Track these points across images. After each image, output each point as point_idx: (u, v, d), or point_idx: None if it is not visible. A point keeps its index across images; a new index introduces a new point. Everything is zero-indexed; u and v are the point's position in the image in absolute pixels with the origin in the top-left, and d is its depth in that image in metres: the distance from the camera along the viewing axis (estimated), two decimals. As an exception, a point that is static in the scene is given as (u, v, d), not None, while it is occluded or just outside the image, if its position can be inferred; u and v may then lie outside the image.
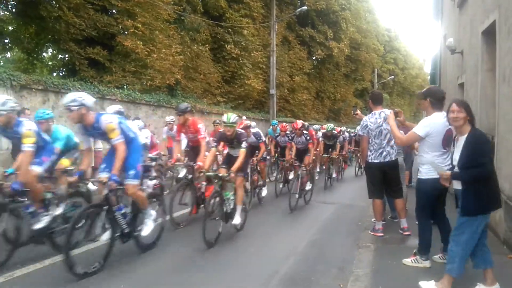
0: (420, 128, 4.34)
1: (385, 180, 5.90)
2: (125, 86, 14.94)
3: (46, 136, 5.46)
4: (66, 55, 15.59)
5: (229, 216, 6.06)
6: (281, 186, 10.12)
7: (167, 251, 5.37)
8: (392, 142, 5.80)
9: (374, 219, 6.20)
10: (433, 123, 4.30)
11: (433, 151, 4.29)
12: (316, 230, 6.77)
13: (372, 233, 5.96)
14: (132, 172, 4.85)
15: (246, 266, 4.92)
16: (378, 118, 5.83)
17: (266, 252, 5.45)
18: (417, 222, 4.67)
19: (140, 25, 14.91)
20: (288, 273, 4.66)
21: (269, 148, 11.97)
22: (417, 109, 59.43)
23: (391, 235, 5.90)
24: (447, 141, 4.25)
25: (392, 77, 45.69)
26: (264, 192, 9.03)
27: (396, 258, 4.84)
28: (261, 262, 5.04)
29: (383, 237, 5.81)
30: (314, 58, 32.75)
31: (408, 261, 4.59)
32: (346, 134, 17.03)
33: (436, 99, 4.41)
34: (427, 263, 4.49)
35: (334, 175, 12.74)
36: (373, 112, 5.95)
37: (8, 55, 16.64)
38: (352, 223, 7.21)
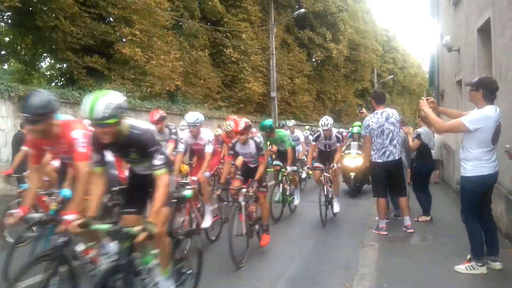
0: (470, 121, 3.93)
1: (389, 179, 5.92)
2: (124, 94, 14.96)
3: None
4: (64, 65, 15.59)
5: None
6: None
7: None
8: (395, 141, 5.81)
9: (377, 217, 6.21)
10: (486, 117, 3.90)
11: (481, 147, 3.94)
12: (321, 230, 6.74)
13: (376, 232, 5.97)
14: None
15: (252, 268, 4.90)
16: (380, 117, 5.83)
17: (271, 254, 5.44)
18: (464, 224, 4.23)
19: (138, 32, 14.92)
20: (293, 274, 4.65)
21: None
22: (417, 108, 59.51)
23: (395, 233, 5.91)
24: (496, 136, 3.97)
25: (392, 76, 45.75)
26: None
27: (400, 256, 4.84)
28: (266, 264, 5.04)
29: (387, 235, 5.82)
30: (313, 60, 32.82)
31: (461, 268, 4.18)
32: (299, 134, 11.08)
33: (489, 91, 3.97)
34: (483, 269, 4.09)
35: (295, 200, 8.13)
36: (375, 111, 5.95)
37: (5, 66, 16.66)
38: (356, 222, 7.18)
